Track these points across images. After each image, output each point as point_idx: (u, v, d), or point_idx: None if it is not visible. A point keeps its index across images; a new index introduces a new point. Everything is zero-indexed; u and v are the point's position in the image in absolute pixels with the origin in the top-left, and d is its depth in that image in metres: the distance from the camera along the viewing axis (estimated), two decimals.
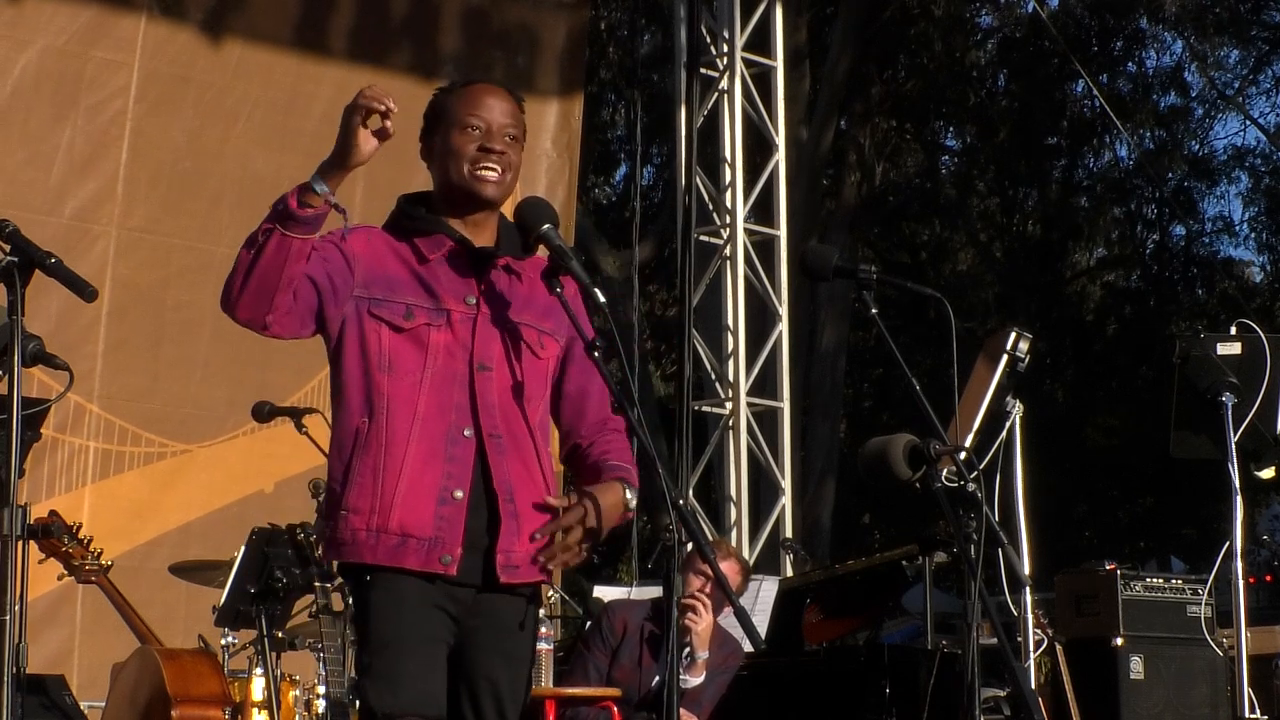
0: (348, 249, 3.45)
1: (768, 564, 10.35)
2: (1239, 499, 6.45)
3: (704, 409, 10.67)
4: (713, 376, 10.69)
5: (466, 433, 3.41)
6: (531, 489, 3.46)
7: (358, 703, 3.48)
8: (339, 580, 5.09)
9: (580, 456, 3.60)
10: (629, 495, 3.47)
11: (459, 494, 3.39)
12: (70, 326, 8.00)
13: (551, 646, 6.23)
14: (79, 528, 5.95)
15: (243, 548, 5.93)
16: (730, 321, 10.60)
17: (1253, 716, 6.61)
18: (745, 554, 9.63)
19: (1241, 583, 6.51)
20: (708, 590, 6.02)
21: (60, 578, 6.00)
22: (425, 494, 3.38)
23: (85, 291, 3.69)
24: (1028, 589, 6.83)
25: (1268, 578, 16.18)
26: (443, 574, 3.37)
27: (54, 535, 5.81)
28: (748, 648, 6.15)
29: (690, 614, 5.96)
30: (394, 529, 3.37)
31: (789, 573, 9.77)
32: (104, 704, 6.12)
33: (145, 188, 8.47)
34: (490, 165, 3.47)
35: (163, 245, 8.51)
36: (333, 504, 3.44)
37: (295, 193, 3.30)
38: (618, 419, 3.60)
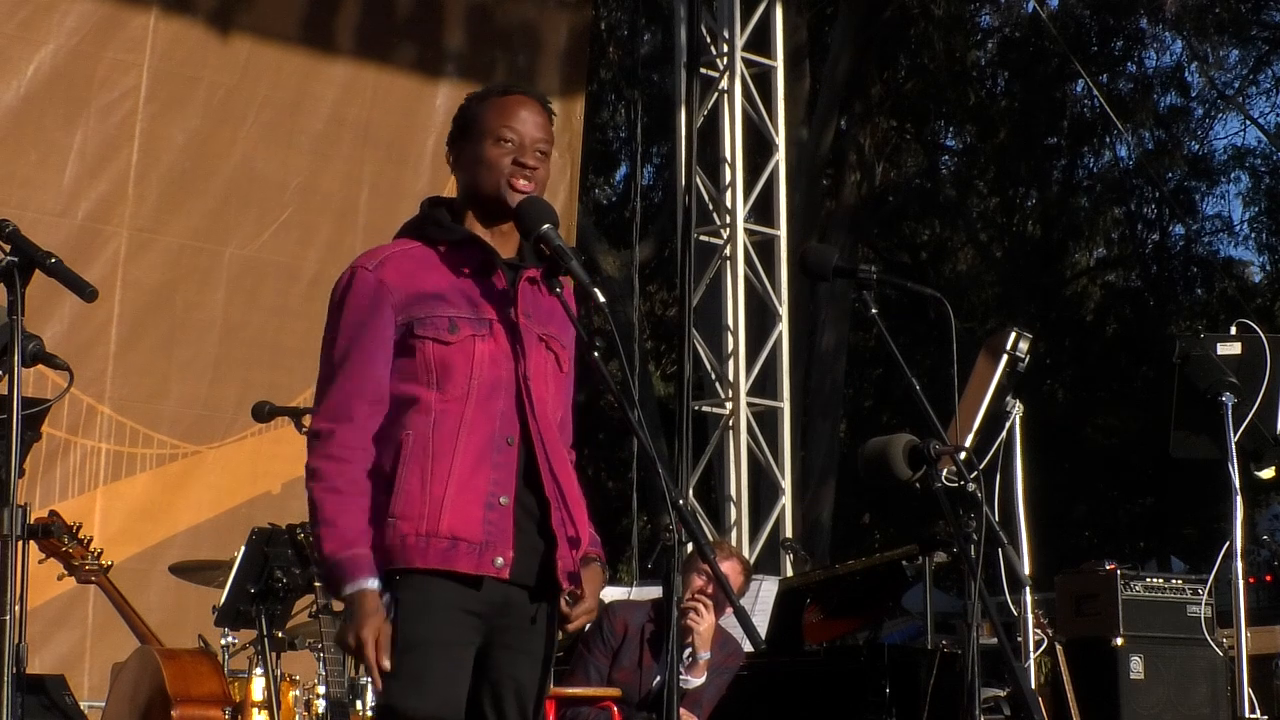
0: (384, 289, 3.44)
1: (768, 564, 10.35)
2: (1239, 499, 6.44)
3: (704, 409, 10.67)
4: (713, 376, 10.69)
5: (510, 440, 3.44)
6: (571, 495, 3.51)
7: (377, 703, 3.50)
8: None
9: None
10: (605, 573, 3.67)
11: (505, 499, 3.41)
12: (83, 328, 8.02)
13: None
14: (79, 528, 5.95)
15: (243, 548, 5.93)
16: (730, 321, 10.60)
17: (1253, 716, 6.61)
18: (745, 554, 9.63)
19: (1241, 583, 6.51)
20: (709, 591, 6.01)
21: (60, 578, 6.00)
22: (473, 499, 3.40)
23: (85, 291, 3.68)
24: (1028, 589, 6.82)
25: (1268, 578, 16.15)
26: (494, 576, 3.39)
27: (54, 535, 5.81)
28: (748, 648, 6.15)
29: (692, 614, 5.96)
30: (444, 533, 3.38)
31: (789, 573, 9.78)
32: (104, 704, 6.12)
33: (155, 188, 8.48)
34: (525, 176, 3.49)
35: (173, 246, 8.53)
36: (377, 511, 3.42)
37: (334, 581, 3.43)
38: (572, 440, 3.69)
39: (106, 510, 8.08)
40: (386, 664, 3.33)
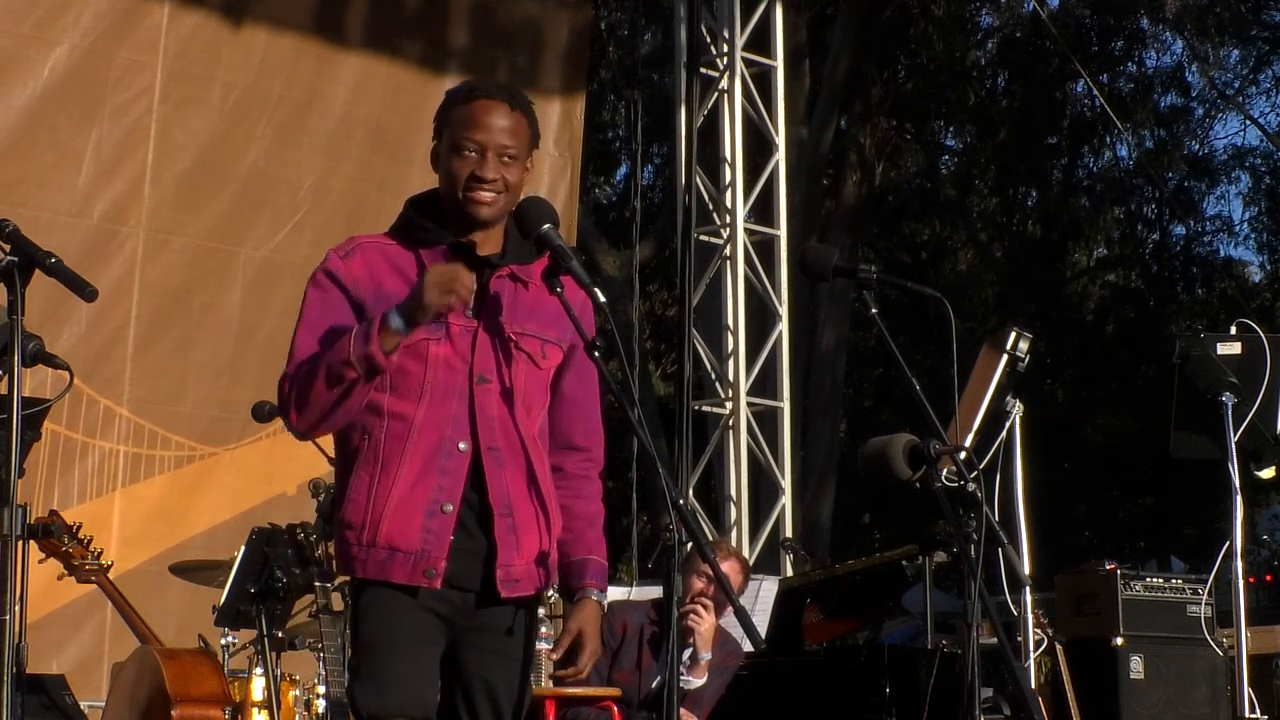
0: (349, 277, 3.48)
1: (768, 564, 10.35)
2: (1239, 499, 6.44)
3: (704, 409, 10.67)
4: (713, 376, 10.69)
5: (461, 446, 3.41)
6: (530, 502, 3.47)
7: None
8: (339, 580, 5.09)
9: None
10: (603, 604, 3.61)
11: (449, 507, 3.39)
12: (100, 329, 8.03)
13: (551, 646, 6.22)
14: (79, 527, 5.95)
15: (243, 547, 5.93)
16: (730, 321, 10.60)
17: (1253, 716, 6.60)
18: (745, 554, 9.63)
19: (1241, 583, 6.50)
20: (710, 593, 6.01)
21: (60, 577, 6.00)
22: (414, 508, 3.39)
23: (85, 291, 3.67)
24: (1028, 589, 6.82)
25: (1268, 578, 16.19)
26: (426, 586, 3.38)
27: (54, 535, 5.81)
28: (748, 648, 6.15)
29: (693, 616, 5.96)
30: (382, 543, 3.39)
31: (789, 573, 9.77)
32: (104, 704, 6.12)
33: (171, 189, 8.48)
34: (484, 190, 3.45)
35: (189, 247, 8.53)
36: (336, 519, 3.48)
37: (378, 337, 3.29)
38: (600, 448, 3.65)
39: (125, 513, 8.08)
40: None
